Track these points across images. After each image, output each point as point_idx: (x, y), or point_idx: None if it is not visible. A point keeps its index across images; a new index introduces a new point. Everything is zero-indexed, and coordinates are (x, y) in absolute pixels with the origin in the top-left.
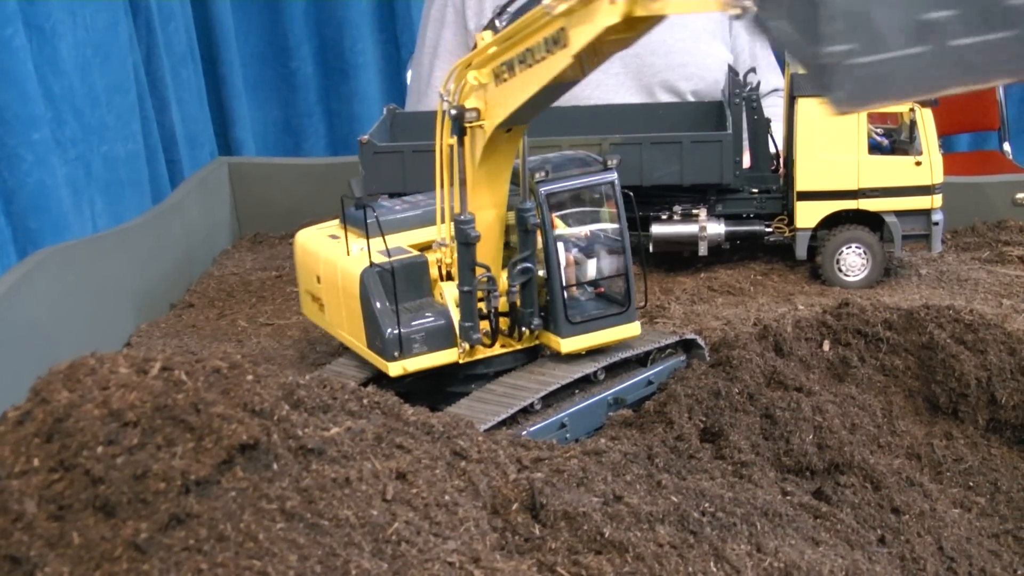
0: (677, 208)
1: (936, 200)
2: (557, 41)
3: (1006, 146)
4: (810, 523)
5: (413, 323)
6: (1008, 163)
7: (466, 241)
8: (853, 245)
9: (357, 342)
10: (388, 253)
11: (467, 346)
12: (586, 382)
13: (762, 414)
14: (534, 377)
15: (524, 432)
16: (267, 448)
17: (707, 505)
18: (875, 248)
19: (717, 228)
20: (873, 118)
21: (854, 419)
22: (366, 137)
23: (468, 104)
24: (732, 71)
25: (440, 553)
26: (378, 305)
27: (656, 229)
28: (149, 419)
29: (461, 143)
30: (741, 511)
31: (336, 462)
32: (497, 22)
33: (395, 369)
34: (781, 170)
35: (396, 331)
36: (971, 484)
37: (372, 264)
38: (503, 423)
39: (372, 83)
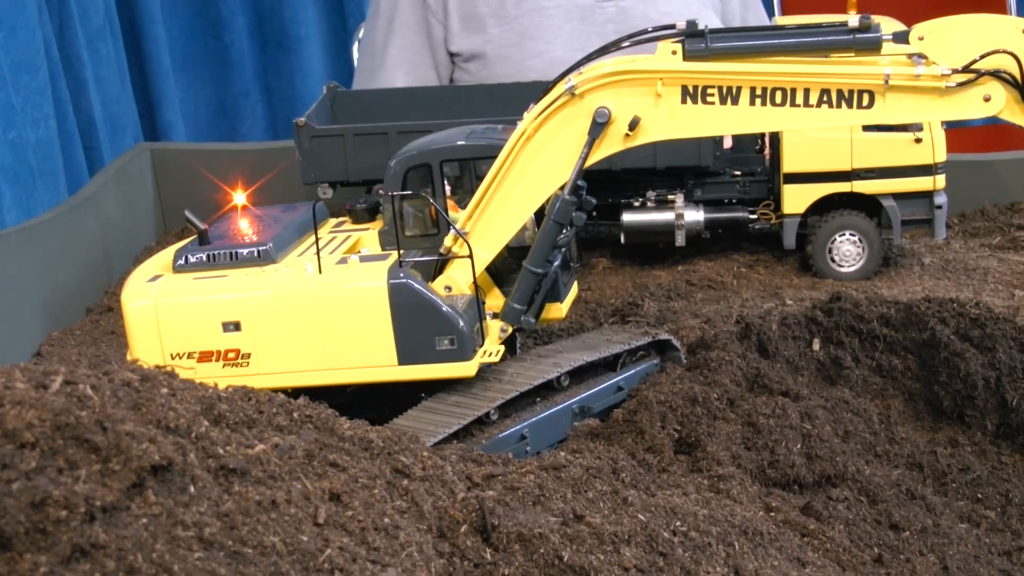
0: (651, 194)
1: (939, 181)
2: (853, 100)
3: None
4: (796, 542)
5: (479, 313)
6: None
7: (564, 222)
8: (847, 232)
9: (371, 365)
10: (355, 259)
11: (510, 329)
12: (548, 389)
13: (744, 422)
14: (490, 384)
15: (479, 446)
16: (182, 469)
17: (679, 524)
18: (871, 235)
19: (695, 215)
20: None
21: (847, 426)
22: (303, 119)
23: (623, 108)
24: None
25: None
26: (443, 305)
27: (628, 217)
28: (49, 439)
29: (592, 143)
30: (717, 530)
31: (261, 483)
32: (708, 42)
33: (475, 367)
34: (766, 150)
35: (475, 324)
36: (979, 496)
37: (401, 264)
38: (455, 436)
39: (316, 58)
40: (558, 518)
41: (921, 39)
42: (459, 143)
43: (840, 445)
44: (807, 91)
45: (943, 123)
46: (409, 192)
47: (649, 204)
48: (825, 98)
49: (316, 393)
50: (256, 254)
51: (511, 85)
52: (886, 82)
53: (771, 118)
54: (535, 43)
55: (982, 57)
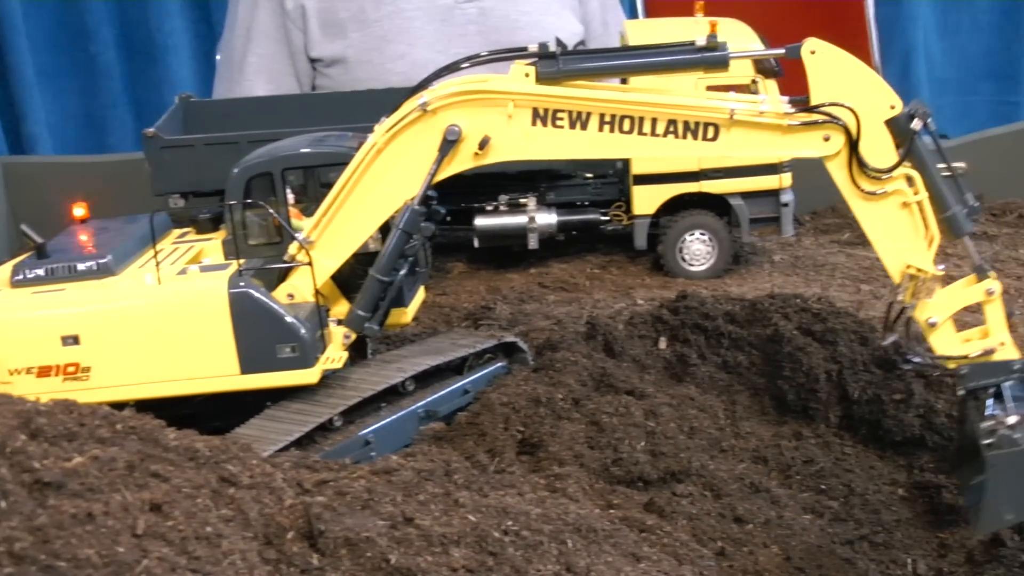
0: (503, 198)
1: (784, 179)
2: (699, 132)
3: None
4: (632, 538)
5: (321, 320)
6: None
7: (414, 231)
8: (697, 232)
9: (213, 375)
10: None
11: (353, 335)
12: (394, 394)
13: (588, 421)
14: (333, 391)
15: (322, 453)
16: None
17: (510, 523)
18: (721, 234)
19: (548, 218)
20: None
21: (693, 422)
22: (152, 130)
23: (474, 127)
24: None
25: None
26: (284, 313)
27: (480, 222)
28: None
29: (442, 159)
30: (550, 528)
31: (79, 496)
32: (560, 64)
33: (317, 374)
34: None
35: (317, 331)
36: (823, 487)
37: (241, 272)
38: (298, 444)
39: (184, 67)
40: (387, 521)
41: (813, 53)
42: (301, 151)
43: (685, 441)
44: (654, 121)
45: None
46: (249, 201)
47: (502, 208)
48: (671, 128)
49: (159, 405)
50: (95, 267)
51: (366, 92)
52: (731, 116)
53: (619, 145)
54: (396, 46)
55: (832, 105)
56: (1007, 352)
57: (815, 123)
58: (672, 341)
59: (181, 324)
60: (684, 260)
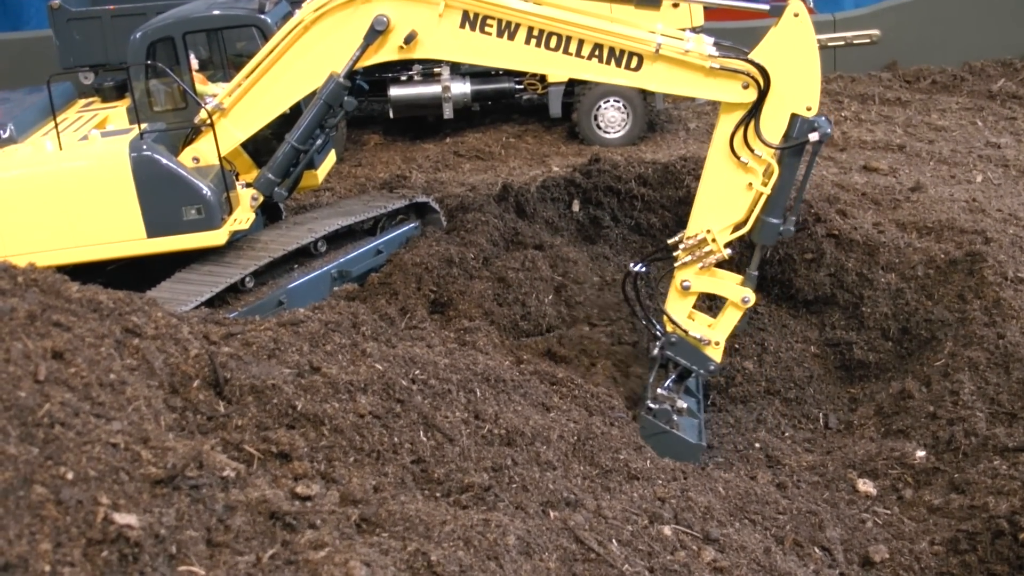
0: (417, 67)
1: None
2: (623, 60)
3: None
4: (542, 389)
5: (227, 183)
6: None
7: (335, 104)
8: (611, 99)
9: (120, 240)
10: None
11: (261, 198)
12: (306, 255)
13: (497, 279)
14: (244, 252)
15: (235, 314)
16: None
17: (418, 372)
18: (635, 101)
19: (462, 87)
20: None
21: (604, 275)
22: (57, 2)
23: (403, 20)
24: None
25: (102, 435)
26: (188, 175)
27: (395, 92)
28: None
29: (366, 47)
30: (458, 378)
31: None
32: None
33: (224, 235)
34: None
35: (223, 193)
36: (736, 347)
37: (142, 136)
38: (211, 305)
39: None
40: (293, 370)
41: (796, 16)
42: (199, 14)
43: (595, 292)
44: (581, 42)
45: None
46: (150, 63)
47: (416, 78)
48: (596, 52)
49: (70, 274)
50: None
51: None
52: (657, 50)
53: (542, 60)
54: None
55: (758, 64)
56: (714, 353)
57: (738, 71)
58: (585, 204)
59: (84, 189)
60: (599, 128)
